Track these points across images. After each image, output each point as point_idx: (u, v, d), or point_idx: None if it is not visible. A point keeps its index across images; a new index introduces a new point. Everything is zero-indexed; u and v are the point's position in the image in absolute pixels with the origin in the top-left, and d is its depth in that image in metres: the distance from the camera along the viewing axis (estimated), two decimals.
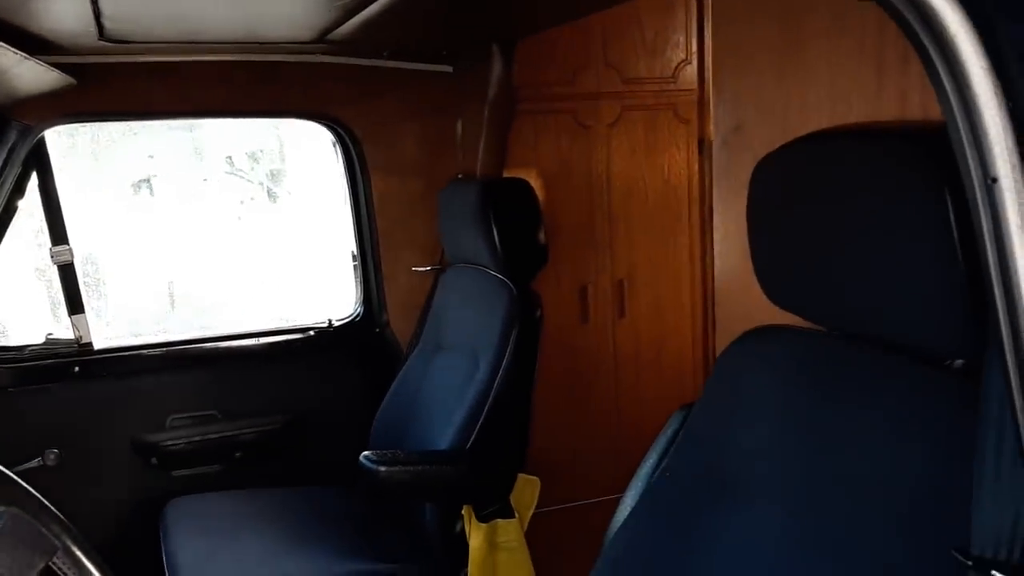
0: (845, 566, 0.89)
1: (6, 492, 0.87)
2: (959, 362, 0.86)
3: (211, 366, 2.50)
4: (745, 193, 1.09)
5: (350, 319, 2.65)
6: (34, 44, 1.79)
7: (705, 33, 2.69)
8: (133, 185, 3.18)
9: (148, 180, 3.19)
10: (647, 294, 2.82)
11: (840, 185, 0.93)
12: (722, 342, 1.21)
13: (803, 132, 1.05)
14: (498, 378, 2.03)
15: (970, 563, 0.72)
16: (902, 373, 0.90)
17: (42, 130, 2.16)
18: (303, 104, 2.44)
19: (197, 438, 2.45)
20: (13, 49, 1.50)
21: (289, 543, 2.11)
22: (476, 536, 2.03)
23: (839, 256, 0.94)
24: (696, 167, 2.79)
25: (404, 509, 2.24)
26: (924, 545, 0.81)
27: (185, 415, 2.45)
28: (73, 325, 2.32)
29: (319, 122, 2.50)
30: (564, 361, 2.71)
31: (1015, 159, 0.60)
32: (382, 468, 1.93)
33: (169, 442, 2.42)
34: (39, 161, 2.21)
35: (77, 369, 2.32)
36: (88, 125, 2.72)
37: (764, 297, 1.09)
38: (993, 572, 0.69)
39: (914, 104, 1.03)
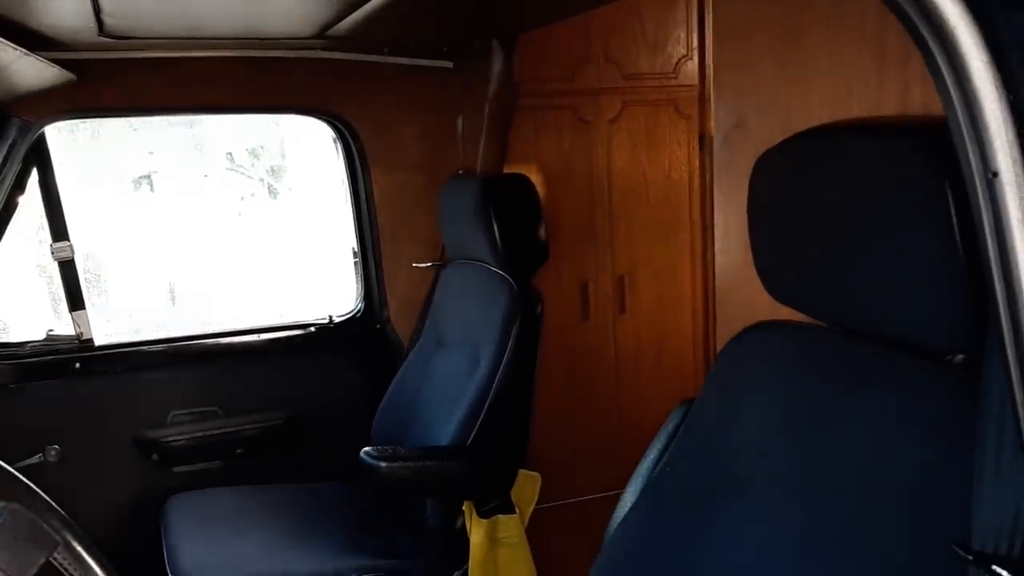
0: (846, 560, 0.89)
1: (7, 488, 0.87)
2: (959, 357, 0.86)
3: (212, 362, 2.50)
4: (746, 189, 1.08)
5: (351, 315, 2.65)
6: (34, 40, 1.79)
7: (706, 29, 2.68)
8: (134, 181, 3.18)
9: (148, 176, 3.19)
10: (648, 290, 2.82)
11: (841, 180, 0.93)
12: (723, 338, 1.21)
13: (804, 127, 1.05)
14: (499, 374, 2.03)
15: (970, 558, 0.71)
16: (902, 368, 0.90)
17: (42, 126, 2.15)
18: (303, 100, 2.43)
19: (198, 434, 2.45)
20: (13, 45, 1.49)
21: (290, 539, 2.11)
22: (477, 532, 2.03)
23: (840, 251, 0.93)
24: (697, 163, 2.79)
25: (405, 505, 2.25)
26: (925, 539, 0.81)
27: (186, 411, 2.45)
28: (74, 321, 2.33)
29: (319, 118, 2.50)
30: (565, 358, 2.70)
31: (1016, 153, 0.60)
32: (383, 464, 1.94)
33: (170, 438, 2.42)
34: (39, 157, 2.22)
35: (78, 365, 2.33)
36: (88, 121, 2.72)
37: (765, 293, 1.09)
38: (994, 567, 0.69)
39: (915, 98, 1.02)
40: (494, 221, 2.10)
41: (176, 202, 3.24)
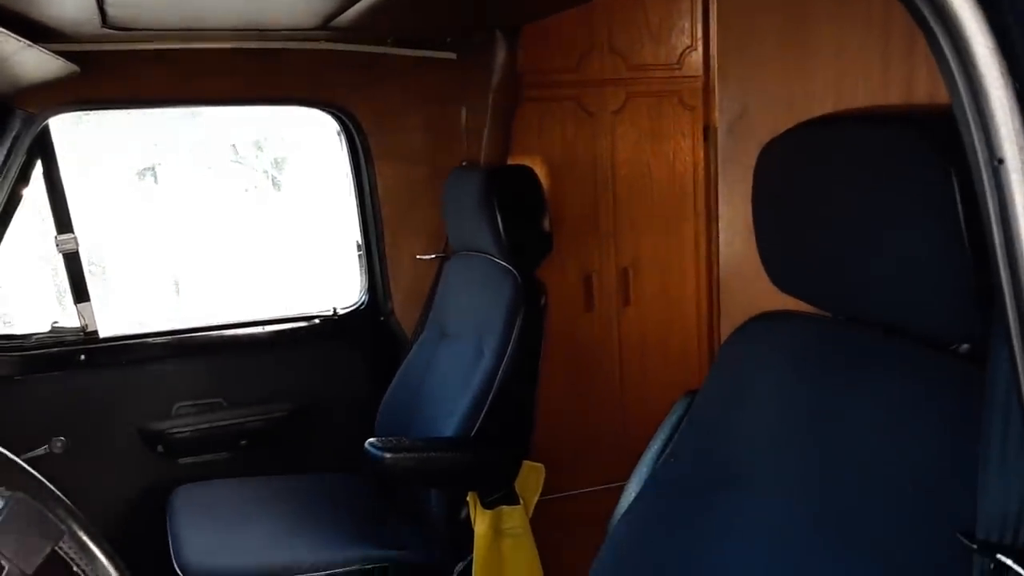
0: (851, 550, 0.89)
1: (13, 478, 0.87)
2: (964, 346, 0.86)
3: (217, 354, 2.51)
4: (750, 180, 1.08)
5: (355, 307, 2.65)
6: (38, 31, 1.78)
7: (710, 19, 2.67)
8: (138, 173, 3.19)
9: (152, 168, 3.20)
10: (652, 282, 2.81)
11: (845, 169, 0.92)
12: (727, 329, 1.21)
13: (808, 117, 1.05)
14: (503, 365, 2.03)
15: (975, 546, 0.71)
16: (907, 358, 0.90)
17: (46, 118, 2.15)
18: (307, 92, 2.43)
19: (203, 426, 2.45)
20: (16, 36, 1.49)
21: (295, 530, 2.12)
22: (481, 522, 2.03)
23: (844, 241, 0.93)
24: (701, 154, 2.78)
25: (409, 496, 2.25)
26: (929, 529, 0.81)
27: (191, 403, 2.46)
28: (79, 313, 2.33)
29: (323, 110, 2.50)
30: (569, 349, 2.70)
31: (1022, 140, 0.60)
32: (387, 455, 1.94)
33: (175, 430, 2.43)
34: (43, 149, 2.21)
35: (83, 357, 2.33)
36: (92, 113, 2.72)
37: (769, 284, 1.09)
38: (998, 556, 0.69)
39: (920, 88, 1.02)
40: (498, 213, 2.09)
41: (179, 194, 3.25)
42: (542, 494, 2.19)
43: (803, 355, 1.04)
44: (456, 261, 2.41)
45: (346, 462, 2.41)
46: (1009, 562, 0.68)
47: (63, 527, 0.84)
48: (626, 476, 1.26)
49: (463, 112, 2.50)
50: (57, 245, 2.28)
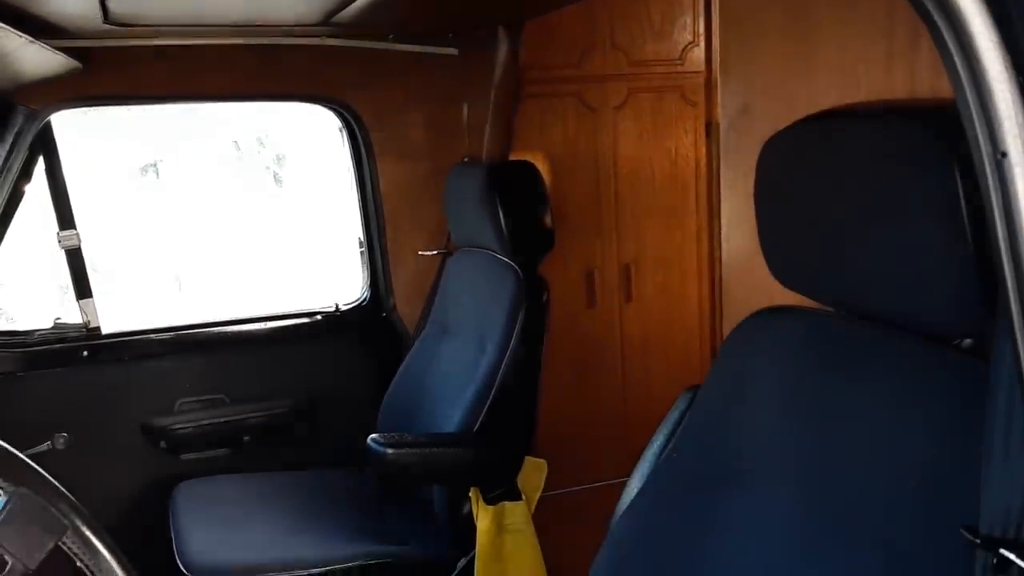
0: (854, 544, 0.89)
1: (16, 474, 0.88)
2: (967, 341, 0.86)
3: (219, 350, 2.51)
4: (752, 176, 1.08)
5: (357, 303, 2.65)
6: (40, 27, 1.78)
7: (712, 14, 2.66)
8: (140, 169, 3.19)
9: (155, 164, 3.20)
10: (654, 278, 2.81)
11: (848, 163, 0.92)
12: (729, 325, 1.20)
13: (811, 112, 1.04)
14: (505, 361, 2.03)
15: (978, 541, 0.71)
16: (910, 352, 0.90)
17: (48, 115, 2.15)
18: (309, 88, 2.43)
19: (205, 422, 2.46)
20: (18, 32, 1.49)
21: (297, 526, 2.12)
22: (484, 518, 2.03)
23: (847, 235, 0.93)
24: (703, 150, 2.78)
25: (412, 492, 2.25)
26: (932, 524, 0.81)
27: (193, 399, 2.46)
28: (81, 309, 2.33)
29: (325, 106, 2.50)
30: (571, 345, 2.70)
31: None
32: (390, 451, 1.94)
33: (178, 426, 2.43)
34: (45, 146, 2.21)
35: (85, 353, 2.33)
36: (95, 109, 2.72)
37: (772, 279, 1.09)
38: (1001, 550, 0.69)
39: (924, 83, 1.02)
40: (500, 208, 2.09)
41: (182, 189, 3.25)
42: (544, 490, 2.18)
43: (805, 350, 1.04)
44: (458, 257, 2.41)
45: (348, 458, 2.42)
46: (1012, 557, 0.68)
47: (66, 523, 0.85)
48: (628, 472, 1.26)
49: (465, 108, 2.50)
50: (59, 241, 2.28)
